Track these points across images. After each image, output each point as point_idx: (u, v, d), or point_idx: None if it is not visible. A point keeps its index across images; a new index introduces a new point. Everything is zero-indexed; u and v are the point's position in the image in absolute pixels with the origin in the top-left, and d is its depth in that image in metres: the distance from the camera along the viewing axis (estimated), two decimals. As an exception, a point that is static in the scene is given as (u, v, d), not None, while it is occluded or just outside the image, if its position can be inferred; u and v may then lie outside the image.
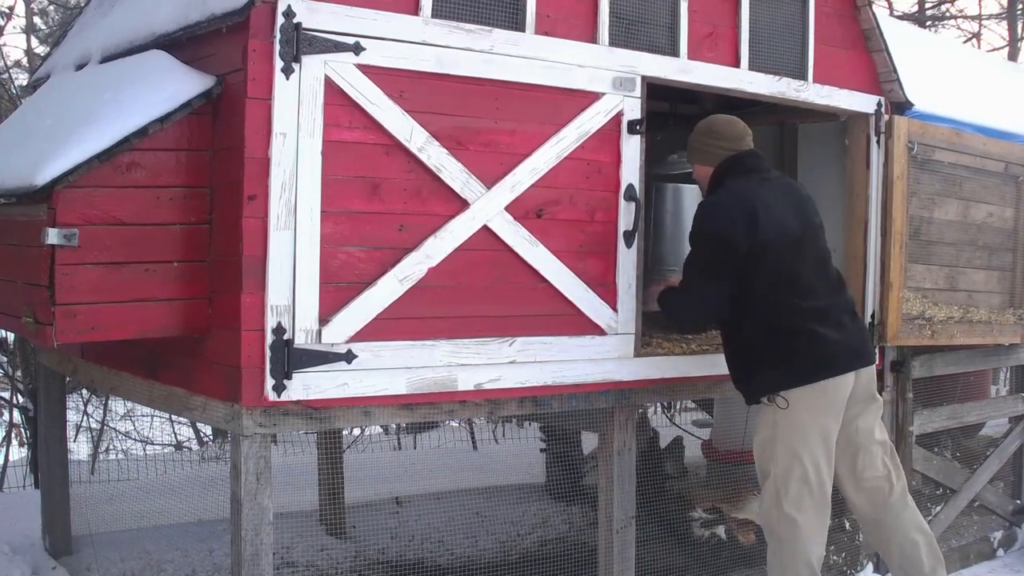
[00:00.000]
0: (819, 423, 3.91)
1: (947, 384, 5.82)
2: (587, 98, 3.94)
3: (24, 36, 12.37)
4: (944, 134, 5.11)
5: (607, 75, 3.99)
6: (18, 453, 7.50)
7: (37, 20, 12.92)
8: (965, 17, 15.46)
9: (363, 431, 8.62)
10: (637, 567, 4.25)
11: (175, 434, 8.91)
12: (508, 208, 3.75)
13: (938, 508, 5.65)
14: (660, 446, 5.99)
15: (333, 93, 3.35)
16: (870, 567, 5.19)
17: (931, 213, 5.10)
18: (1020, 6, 14.66)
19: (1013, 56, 14.42)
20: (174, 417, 8.13)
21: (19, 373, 7.57)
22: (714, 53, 4.35)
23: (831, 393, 3.92)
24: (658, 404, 7.05)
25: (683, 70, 4.25)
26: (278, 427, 3.35)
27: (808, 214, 4.09)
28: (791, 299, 3.92)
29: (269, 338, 3.26)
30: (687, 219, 4.78)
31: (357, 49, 3.39)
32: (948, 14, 14.98)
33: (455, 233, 3.63)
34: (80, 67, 4.23)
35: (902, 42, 5.34)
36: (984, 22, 15.58)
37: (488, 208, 3.70)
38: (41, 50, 11.75)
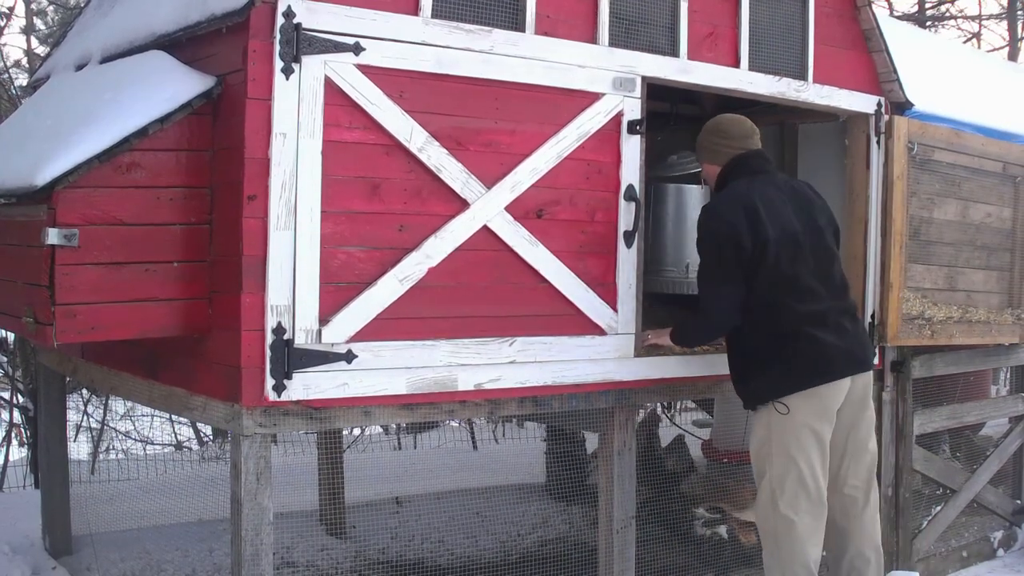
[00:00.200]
0: (813, 426, 3.90)
1: (947, 384, 5.82)
2: (587, 98, 3.94)
3: (24, 36, 12.38)
4: (944, 134, 5.11)
5: (607, 75, 3.99)
6: (18, 453, 7.50)
7: (37, 20, 12.92)
8: (965, 17, 15.46)
9: (363, 431, 8.62)
10: (637, 567, 4.25)
11: (175, 434, 8.91)
12: (508, 208, 3.75)
13: (938, 508, 5.66)
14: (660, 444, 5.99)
15: (333, 93, 3.35)
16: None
17: (931, 213, 5.10)
18: (1020, 6, 14.65)
19: (1013, 56, 14.42)
20: (174, 417, 8.13)
21: (19, 373, 7.56)
22: (714, 53, 4.35)
23: (826, 397, 3.92)
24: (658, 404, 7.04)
25: (683, 70, 4.25)
26: (278, 427, 3.36)
27: (812, 216, 4.07)
28: (788, 301, 3.91)
29: (269, 338, 3.26)
30: (688, 219, 4.80)
31: (357, 49, 3.39)
32: (948, 14, 14.98)
33: (455, 233, 3.63)
34: (80, 67, 4.23)
35: (902, 42, 5.34)
36: (984, 22, 15.58)
37: (488, 208, 3.70)
38: (41, 50, 11.75)
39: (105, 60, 4.02)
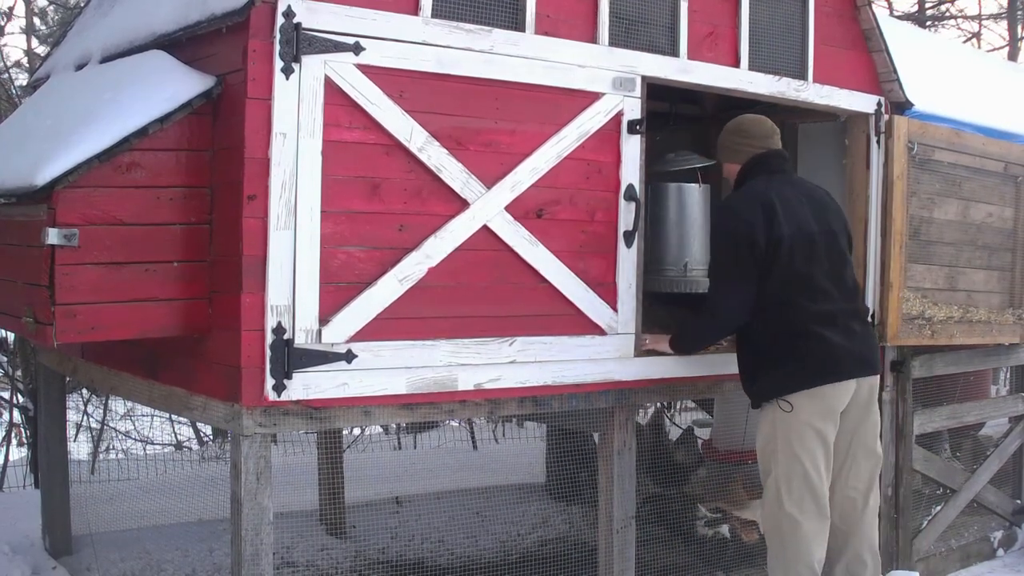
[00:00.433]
0: (816, 426, 3.90)
1: (947, 384, 5.82)
2: (587, 98, 3.94)
3: (24, 36, 12.38)
4: (944, 134, 5.11)
5: (607, 75, 3.99)
6: (18, 453, 7.49)
7: (37, 20, 12.92)
8: (965, 17, 15.46)
9: (363, 431, 8.62)
10: (637, 567, 4.25)
11: (175, 434, 8.91)
12: (508, 208, 3.75)
13: (938, 508, 5.66)
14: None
15: (333, 93, 3.35)
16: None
17: (931, 213, 5.10)
18: (1020, 6, 14.65)
19: (1013, 56, 14.42)
20: (174, 417, 8.13)
21: (19, 373, 7.56)
22: (714, 53, 4.35)
23: (830, 398, 3.91)
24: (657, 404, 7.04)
25: (683, 70, 4.25)
26: (278, 427, 3.35)
27: (827, 218, 4.07)
28: (800, 300, 3.91)
29: (269, 338, 3.26)
30: (687, 219, 4.80)
31: (357, 49, 3.39)
32: (948, 14, 14.98)
33: (455, 233, 3.63)
34: (80, 67, 4.23)
35: (902, 42, 5.34)
36: (984, 22, 15.58)
37: (488, 208, 3.70)
38: (41, 50, 11.75)
39: (105, 60, 4.02)
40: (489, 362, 3.73)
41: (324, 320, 3.36)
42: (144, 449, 8.25)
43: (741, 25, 4.42)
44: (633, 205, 4.06)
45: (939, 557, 5.58)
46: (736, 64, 4.42)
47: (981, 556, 5.86)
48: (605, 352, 4.02)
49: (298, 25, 3.26)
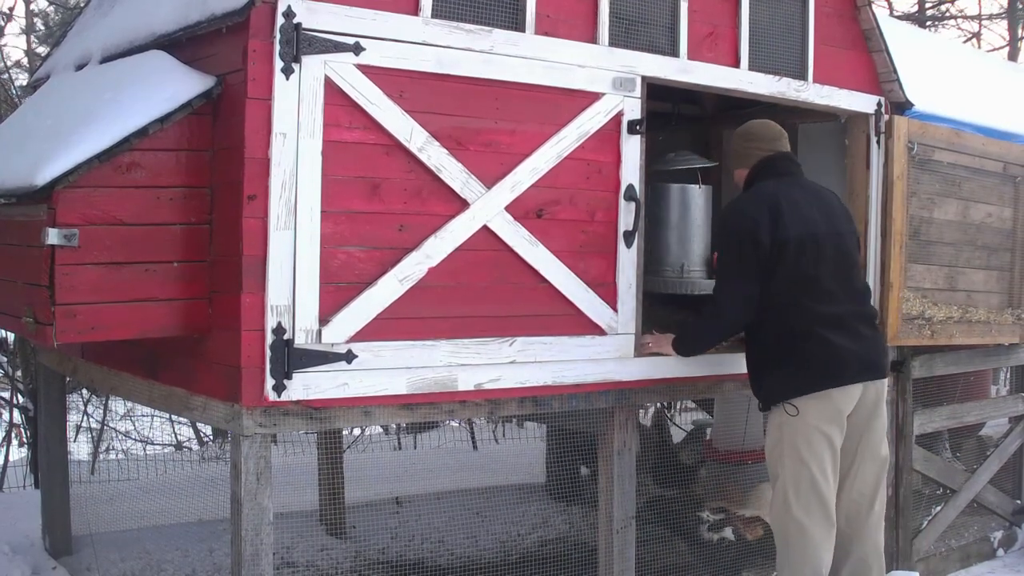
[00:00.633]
0: (824, 430, 3.88)
1: (947, 384, 5.82)
2: (587, 98, 3.94)
3: (24, 36, 12.37)
4: (944, 134, 5.11)
5: (607, 75, 3.99)
6: (18, 453, 7.50)
7: (37, 20, 12.92)
8: (965, 17, 15.46)
9: (363, 431, 8.62)
10: (637, 567, 4.25)
11: (175, 434, 8.90)
12: (508, 208, 3.75)
13: (938, 508, 5.66)
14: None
15: (333, 93, 3.35)
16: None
17: (931, 213, 5.10)
18: (1020, 6, 14.65)
19: (1013, 56, 14.42)
20: (174, 417, 8.13)
21: (19, 373, 7.56)
22: (714, 53, 4.35)
23: (837, 401, 3.90)
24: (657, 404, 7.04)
25: (683, 70, 4.25)
26: (278, 427, 3.35)
27: (836, 220, 4.07)
28: (805, 301, 3.90)
29: (269, 338, 3.26)
30: (686, 219, 4.80)
31: (357, 49, 3.39)
32: (948, 14, 14.98)
33: (455, 233, 3.63)
34: (80, 67, 4.23)
35: (902, 42, 5.34)
36: (984, 22, 15.58)
37: (488, 208, 3.70)
38: (41, 50, 11.74)
39: (105, 60, 4.02)
40: (489, 362, 3.73)
41: (324, 320, 3.36)
42: (144, 449, 8.24)
43: (741, 25, 4.42)
44: (633, 205, 4.06)
45: (939, 557, 5.58)
46: (736, 64, 4.42)
47: (981, 556, 5.86)
48: (605, 352, 4.02)
49: (298, 25, 3.26)
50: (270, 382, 3.27)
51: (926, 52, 6.14)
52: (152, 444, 8.50)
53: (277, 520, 3.46)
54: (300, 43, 3.27)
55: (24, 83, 9.49)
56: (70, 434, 5.81)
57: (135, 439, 8.40)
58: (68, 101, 3.88)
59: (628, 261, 4.08)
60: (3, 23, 10.27)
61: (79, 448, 7.25)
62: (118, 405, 7.87)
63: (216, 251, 3.42)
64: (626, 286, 4.08)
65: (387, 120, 3.47)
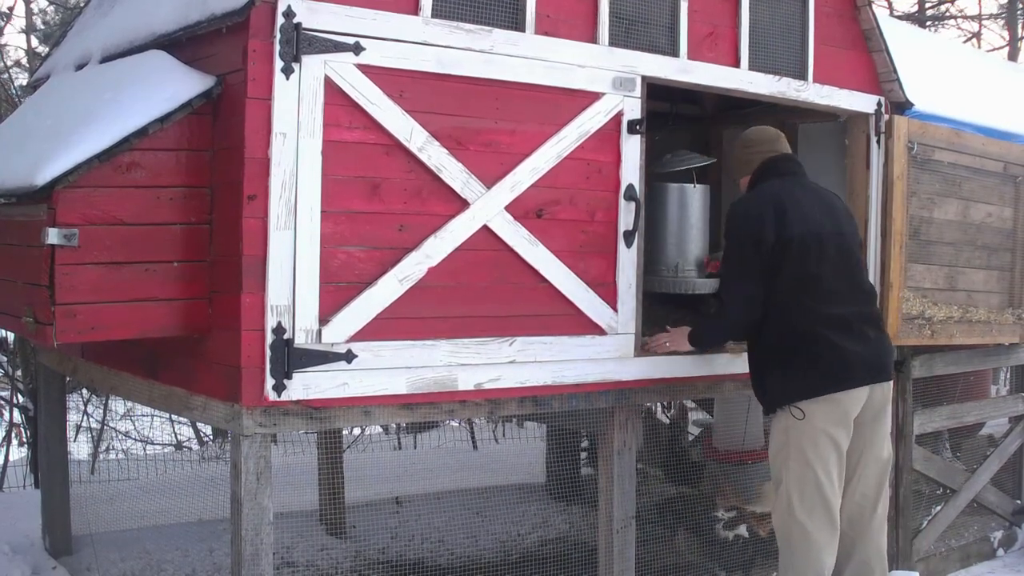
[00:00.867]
0: (830, 434, 3.86)
1: (947, 384, 5.81)
2: (587, 98, 3.94)
3: (24, 36, 12.37)
4: (944, 134, 5.11)
5: (607, 75, 3.99)
6: (18, 453, 7.49)
7: (37, 20, 12.92)
8: (965, 17, 15.47)
9: (363, 431, 8.62)
10: (637, 567, 4.25)
11: (175, 434, 8.91)
12: (508, 208, 3.75)
13: (938, 508, 5.65)
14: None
15: (333, 93, 3.35)
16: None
17: (931, 213, 5.10)
18: (1020, 6, 14.65)
19: (1013, 56, 14.42)
20: (174, 417, 8.13)
21: (19, 373, 7.56)
22: (714, 53, 4.35)
23: (844, 404, 3.88)
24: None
25: (683, 70, 4.25)
26: (278, 427, 3.35)
27: (839, 221, 4.06)
28: (809, 301, 3.88)
29: (269, 338, 3.26)
30: (684, 219, 4.80)
31: (357, 49, 3.39)
32: (948, 14, 14.98)
33: (455, 233, 3.63)
34: (80, 67, 4.23)
35: (902, 42, 5.34)
36: (984, 22, 15.59)
37: (488, 208, 3.70)
38: (41, 50, 11.73)
39: (105, 60, 4.02)
40: (489, 362, 3.73)
41: (324, 320, 3.36)
42: (144, 449, 8.24)
43: (741, 25, 4.42)
44: (633, 205, 4.06)
45: (939, 557, 5.58)
46: (736, 64, 4.42)
47: (981, 556, 5.86)
48: (605, 352, 4.02)
49: (298, 25, 3.26)
50: (270, 382, 3.27)
51: (926, 52, 6.14)
52: (152, 444, 8.50)
53: (277, 520, 3.46)
54: (300, 43, 3.27)
55: (24, 83, 9.49)
56: (70, 434, 5.81)
57: (135, 439, 8.40)
58: (68, 101, 3.88)
59: (628, 261, 4.08)
60: (3, 23, 10.27)
61: (79, 448, 7.25)
62: (118, 405, 7.87)
63: (216, 251, 3.42)
64: (626, 286, 4.08)
65: (387, 120, 3.46)
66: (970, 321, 5.29)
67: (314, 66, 3.30)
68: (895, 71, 4.90)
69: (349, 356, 3.41)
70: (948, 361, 5.57)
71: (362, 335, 3.44)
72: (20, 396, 7.43)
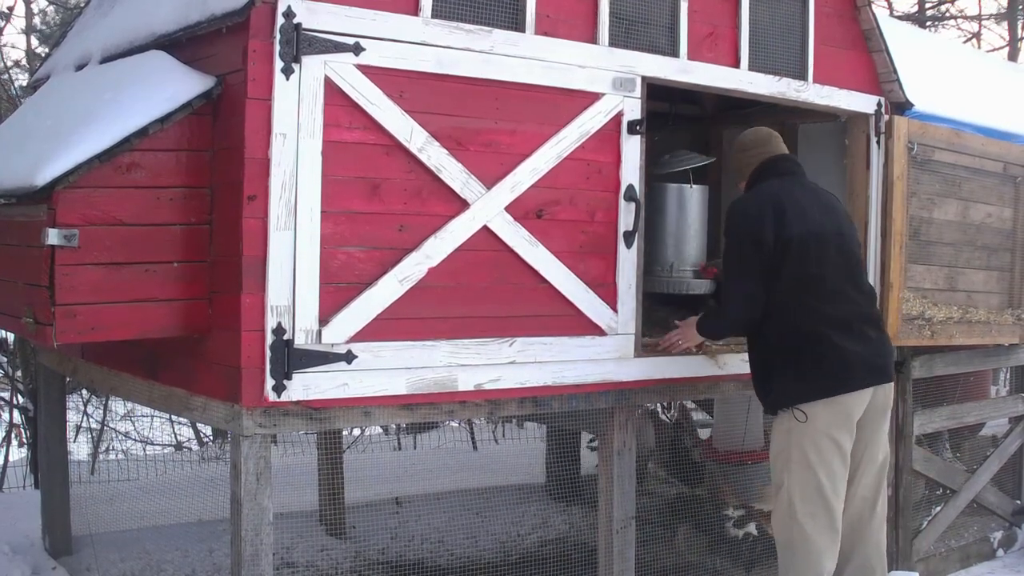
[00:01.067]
0: (834, 436, 3.85)
1: (947, 384, 5.81)
2: (587, 98, 3.94)
3: (24, 36, 12.38)
4: (944, 134, 5.11)
5: (607, 75, 3.99)
6: (18, 453, 7.49)
7: (37, 20, 12.92)
8: (965, 17, 15.47)
9: (363, 431, 8.62)
10: (637, 567, 4.25)
11: (175, 434, 8.91)
12: (508, 208, 3.75)
13: (938, 508, 5.65)
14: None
15: (333, 93, 3.35)
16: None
17: (931, 213, 5.10)
18: (1020, 6, 14.65)
19: (1013, 56, 14.42)
20: (174, 417, 8.13)
21: (19, 373, 7.56)
22: (714, 53, 4.35)
23: (848, 406, 3.86)
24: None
25: (683, 70, 4.25)
26: (278, 427, 3.35)
27: (838, 220, 4.06)
28: (811, 302, 3.87)
29: (269, 338, 3.26)
30: (682, 219, 4.80)
31: (357, 49, 3.39)
32: (948, 14, 14.98)
33: (455, 233, 3.63)
34: (80, 67, 4.23)
35: (902, 42, 5.34)
36: (984, 22, 15.59)
37: (488, 208, 3.70)
38: (41, 50, 11.74)
39: (105, 60, 4.02)
40: (489, 362, 3.73)
41: (324, 320, 3.36)
42: (144, 450, 8.24)
43: (741, 25, 4.42)
44: (633, 205, 4.06)
45: (939, 557, 5.58)
46: (736, 64, 4.42)
47: (981, 556, 5.86)
48: (605, 352, 4.02)
49: (298, 25, 3.26)
50: (270, 382, 3.27)
51: (926, 52, 6.14)
52: (152, 444, 8.50)
53: (277, 520, 3.46)
54: (300, 43, 3.27)
55: (24, 83, 9.49)
56: (70, 434, 5.81)
57: (135, 439, 8.40)
58: (68, 101, 3.88)
59: (628, 261, 4.08)
60: (3, 23, 10.27)
61: (79, 448, 7.25)
62: (118, 405, 7.87)
63: (216, 251, 3.42)
64: (626, 286, 4.08)
65: (387, 120, 3.47)
66: (970, 322, 5.29)
67: (314, 66, 3.30)
68: (895, 71, 4.90)
69: (349, 357, 3.41)
70: (948, 362, 5.57)
71: (362, 336, 3.44)
72: (20, 396, 7.43)
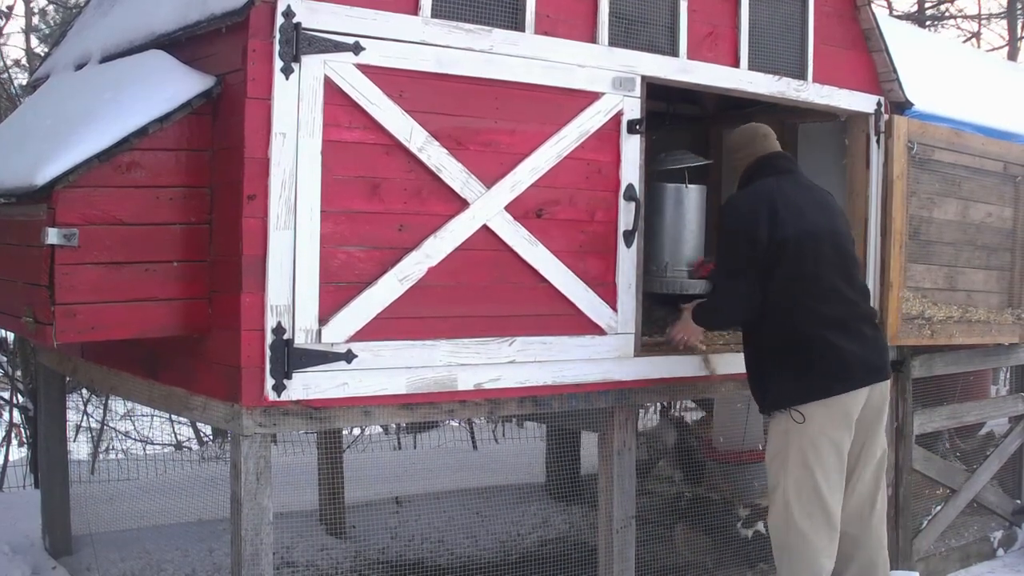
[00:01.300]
0: (832, 436, 3.85)
1: (947, 384, 5.81)
2: (587, 98, 3.94)
3: (24, 36, 12.37)
4: (943, 134, 5.11)
5: (607, 75, 3.99)
6: (18, 453, 7.49)
7: (37, 20, 12.92)
8: (965, 17, 15.46)
9: (363, 431, 8.62)
10: (637, 567, 4.25)
11: (175, 434, 8.90)
12: (508, 208, 3.75)
13: (938, 508, 5.65)
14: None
15: (333, 93, 3.35)
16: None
17: (930, 213, 5.10)
18: (1020, 6, 14.65)
19: (1013, 56, 14.42)
20: (174, 417, 8.13)
21: (19, 373, 7.56)
22: (714, 53, 4.35)
23: (846, 406, 3.86)
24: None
25: (683, 70, 4.25)
26: (278, 427, 3.35)
27: (833, 218, 4.05)
28: (809, 302, 3.86)
29: (269, 338, 3.26)
30: (680, 219, 4.80)
31: (357, 49, 3.39)
32: (948, 14, 14.98)
33: (455, 233, 3.63)
34: (80, 67, 4.23)
35: (902, 42, 5.34)
36: (984, 22, 15.58)
37: (488, 208, 3.70)
38: (41, 50, 11.73)
39: (105, 60, 4.02)
40: (489, 362, 3.73)
41: (324, 320, 3.36)
42: (144, 449, 8.24)
43: (741, 25, 4.42)
44: (633, 205, 4.06)
45: (939, 557, 5.58)
46: (736, 64, 4.42)
47: (981, 556, 5.86)
48: (605, 352, 4.02)
49: (298, 25, 3.26)
50: (270, 382, 3.27)
51: (926, 52, 6.14)
52: (152, 444, 8.49)
53: (277, 520, 3.46)
54: (300, 43, 3.27)
55: (24, 83, 9.49)
56: (70, 434, 5.81)
57: (135, 439, 8.40)
58: (68, 101, 3.88)
59: (628, 261, 4.08)
60: (3, 23, 10.27)
61: (79, 448, 7.25)
62: (118, 405, 7.87)
63: (216, 251, 3.42)
64: (625, 286, 4.07)
65: (387, 120, 3.47)
66: (970, 321, 5.29)
67: (314, 66, 3.30)
68: (895, 71, 4.91)
69: (349, 356, 3.41)
70: (948, 361, 5.57)
71: (362, 335, 3.44)
72: (20, 396, 7.43)
